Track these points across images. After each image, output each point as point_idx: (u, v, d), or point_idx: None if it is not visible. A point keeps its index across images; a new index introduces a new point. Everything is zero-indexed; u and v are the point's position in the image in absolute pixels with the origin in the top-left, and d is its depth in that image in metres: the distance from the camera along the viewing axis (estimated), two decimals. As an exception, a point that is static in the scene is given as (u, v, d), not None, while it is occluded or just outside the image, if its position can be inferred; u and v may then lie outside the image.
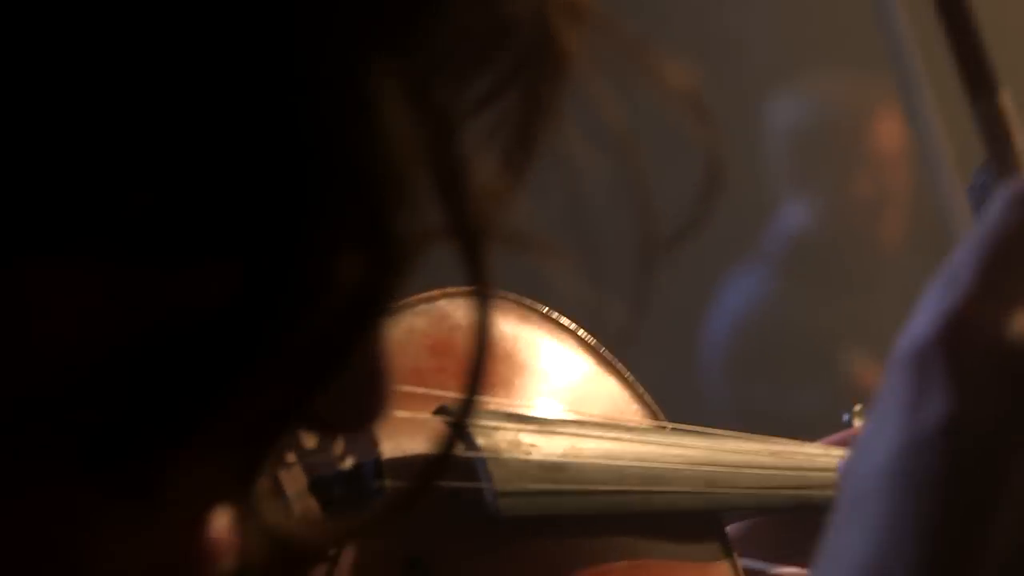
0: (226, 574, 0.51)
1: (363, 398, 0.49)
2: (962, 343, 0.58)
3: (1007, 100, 0.70)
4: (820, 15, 2.69)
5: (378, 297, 0.46)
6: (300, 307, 0.45)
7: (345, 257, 0.45)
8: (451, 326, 1.03)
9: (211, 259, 0.44)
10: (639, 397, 1.14)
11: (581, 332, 1.15)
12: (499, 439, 0.95)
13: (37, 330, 0.44)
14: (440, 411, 0.92)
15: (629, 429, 1.10)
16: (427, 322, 1.00)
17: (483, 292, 0.50)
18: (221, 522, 0.50)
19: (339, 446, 0.87)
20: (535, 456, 0.96)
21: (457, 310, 1.04)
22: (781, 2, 2.82)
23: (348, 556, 0.86)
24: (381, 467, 0.87)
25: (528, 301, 1.12)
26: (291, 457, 0.87)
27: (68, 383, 0.44)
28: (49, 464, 0.45)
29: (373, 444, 0.87)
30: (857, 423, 1.27)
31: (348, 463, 0.86)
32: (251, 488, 0.49)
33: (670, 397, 1.19)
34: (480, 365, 0.50)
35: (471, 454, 0.93)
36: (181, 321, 0.44)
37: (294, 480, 0.86)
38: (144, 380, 0.44)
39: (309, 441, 0.87)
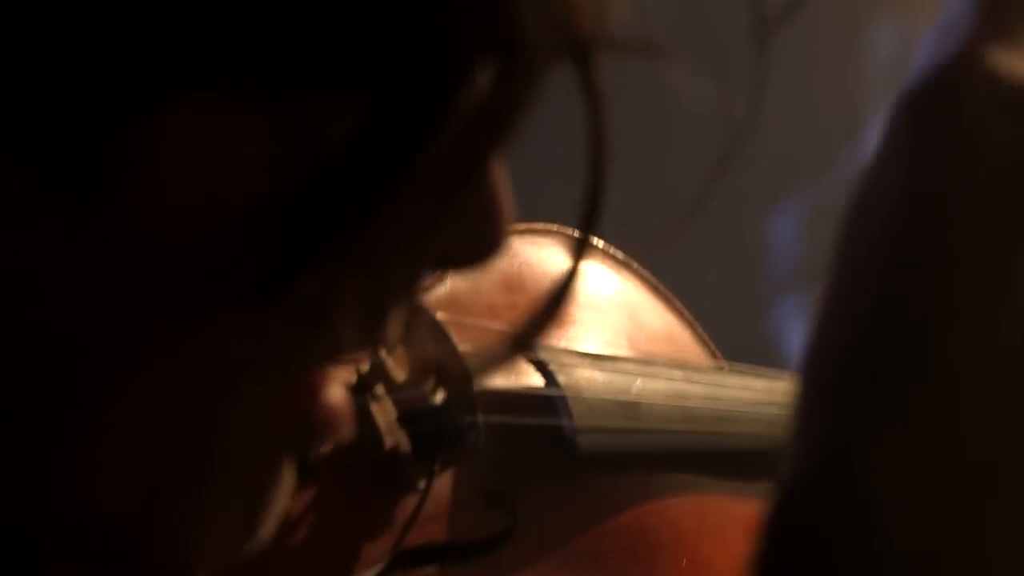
0: (341, 442, 0.55)
1: (483, 231, 0.53)
2: (970, 83, 0.53)
3: None
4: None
5: (508, 108, 0.48)
6: (436, 123, 0.48)
7: (477, 66, 0.47)
8: (521, 263, 1.05)
9: (347, 83, 0.47)
10: (699, 337, 1.16)
11: (642, 270, 1.17)
12: (578, 377, 0.97)
13: (202, 159, 0.47)
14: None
15: (695, 370, 1.12)
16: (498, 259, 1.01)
17: (596, 109, 0.52)
18: (340, 393, 0.55)
19: (430, 381, 0.88)
20: (610, 395, 0.98)
21: (526, 247, 1.06)
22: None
23: (436, 488, 0.88)
24: (474, 403, 0.89)
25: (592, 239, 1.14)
26: (381, 390, 0.89)
27: (235, 215, 0.47)
28: (227, 296, 0.49)
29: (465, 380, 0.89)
30: None
31: (439, 397, 0.88)
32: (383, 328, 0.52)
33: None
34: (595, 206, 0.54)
35: (553, 391, 0.95)
36: (327, 146, 0.47)
37: (385, 413, 0.88)
38: (300, 206, 0.47)
39: (400, 375, 0.88)
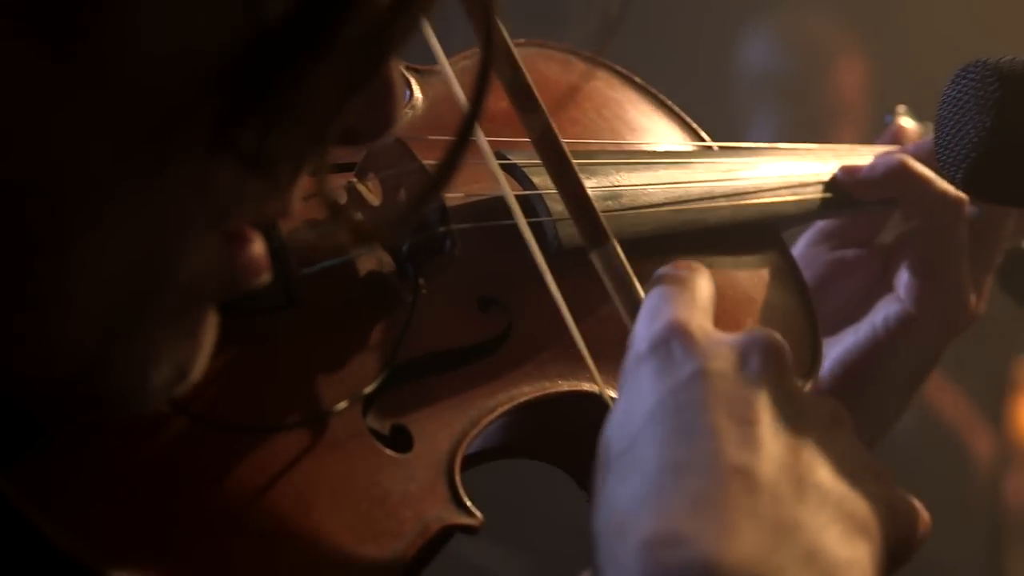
0: (259, 288, 0.68)
1: (382, 108, 0.67)
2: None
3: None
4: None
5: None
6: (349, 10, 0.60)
7: None
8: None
9: None
10: (680, 120, 1.18)
11: (616, 66, 1.19)
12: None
13: (169, 12, 0.58)
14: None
15: (675, 154, 1.14)
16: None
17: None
18: (260, 247, 0.67)
19: (401, 201, 0.91)
20: (588, 188, 1.01)
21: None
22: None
23: (427, 301, 0.91)
24: (446, 212, 0.92)
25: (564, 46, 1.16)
26: (359, 216, 0.92)
27: (194, 68, 0.59)
28: (183, 140, 0.60)
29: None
30: (900, 122, 1.31)
31: None
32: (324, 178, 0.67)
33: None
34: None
35: (528, 191, 0.98)
36: (269, 14, 0.59)
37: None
38: (246, 65, 0.59)
39: (374, 199, 0.92)
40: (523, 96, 0.90)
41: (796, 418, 0.77)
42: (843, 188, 1.19)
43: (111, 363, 0.64)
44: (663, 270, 0.87)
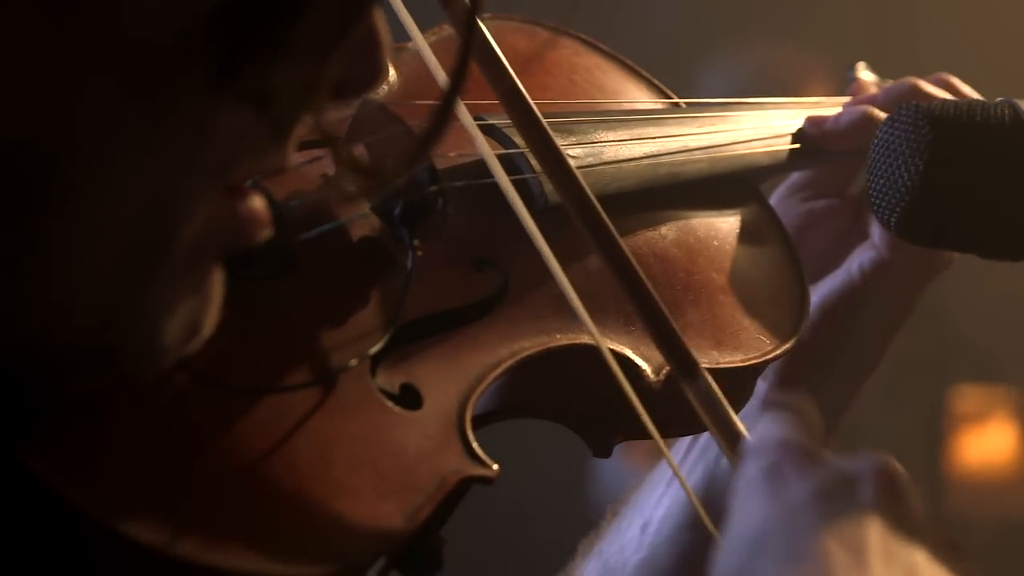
0: (261, 241, 0.71)
1: (371, 59, 0.70)
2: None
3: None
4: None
5: None
6: None
7: None
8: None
9: None
10: (648, 82, 1.20)
11: (581, 34, 1.20)
12: None
13: None
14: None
15: (648, 112, 1.16)
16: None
17: None
18: (261, 202, 0.70)
19: (389, 166, 0.92)
20: (567, 147, 1.02)
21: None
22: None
23: (423, 263, 0.92)
24: (435, 172, 0.93)
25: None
26: (354, 154, 0.93)
27: (198, 11, 0.61)
28: (188, 83, 0.62)
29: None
30: (860, 76, 1.33)
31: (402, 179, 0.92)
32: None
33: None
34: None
35: (511, 151, 0.99)
36: None
37: (356, 210, 0.92)
38: (244, 9, 0.61)
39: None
40: (491, 64, 0.92)
41: (908, 545, 0.76)
42: (811, 139, 1.21)
43: (124, 316, 0.66)
44: (774, 397, 0.88)
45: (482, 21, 1.12)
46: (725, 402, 0.89)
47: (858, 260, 1.21)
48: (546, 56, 1.16)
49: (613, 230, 0.91)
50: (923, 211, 1.08)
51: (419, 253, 0.91)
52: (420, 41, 0.95)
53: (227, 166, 0.66)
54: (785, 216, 1.24)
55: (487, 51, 0.92)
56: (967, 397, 3.25)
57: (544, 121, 0.93)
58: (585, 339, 0.95)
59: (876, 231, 1.20)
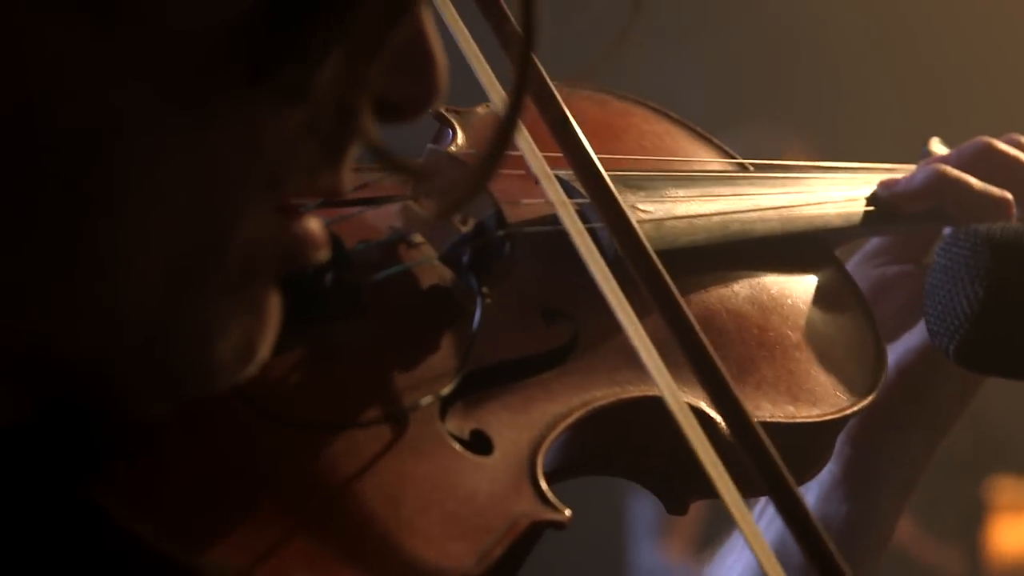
0: (318, 263, 0.70)
1: (422, 76, 0.69)
2: None
3: None
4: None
5: None
6: None
7: None
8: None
9: None
10: (716, 147, 1.20)
11: (649, 102, 1.21)
12: None
13: None
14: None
15: (718, 172, 1.16)
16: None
17: None
18: (316, 223, 0.69)
19: (459, 216, 0.92)
20: (637, 201, 1.02)
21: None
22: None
23: (491, 312, 0.91)
24: (503, 217, 0.92)
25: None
26: (418, 237, 0.93)
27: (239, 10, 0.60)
28: (230, 79, 0.61)
29: (490, 201, 0.93)
30: (934, 150, 1.32)
31: (470, 224, 0.92)
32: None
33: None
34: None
35: (580, 200, 0.98)
36: None
37: (426, 255, 0.92)
38: (284, 10, 0.60)
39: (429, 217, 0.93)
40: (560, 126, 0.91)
41: None
42: (885, 201, 1.20)
43: (174, 330, 0.65)
44: None
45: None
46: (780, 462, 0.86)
47: (916, 336, 1.20)
48: (616, 123, 1.17)
49: (667, 280, 0.89)
50: (984, 339, 1.05)
51: (488, 300, 0.90)
52: (481, 64, 0.95)
53: (277, 179, 0.65)
54: (859, 280, 1.23)
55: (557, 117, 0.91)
56: (1007, 490, 3.20)
57: (603, 171, 0.92)
58: (656, 391, 0.94)
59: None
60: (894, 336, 1.21)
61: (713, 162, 1.18)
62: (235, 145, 0.62)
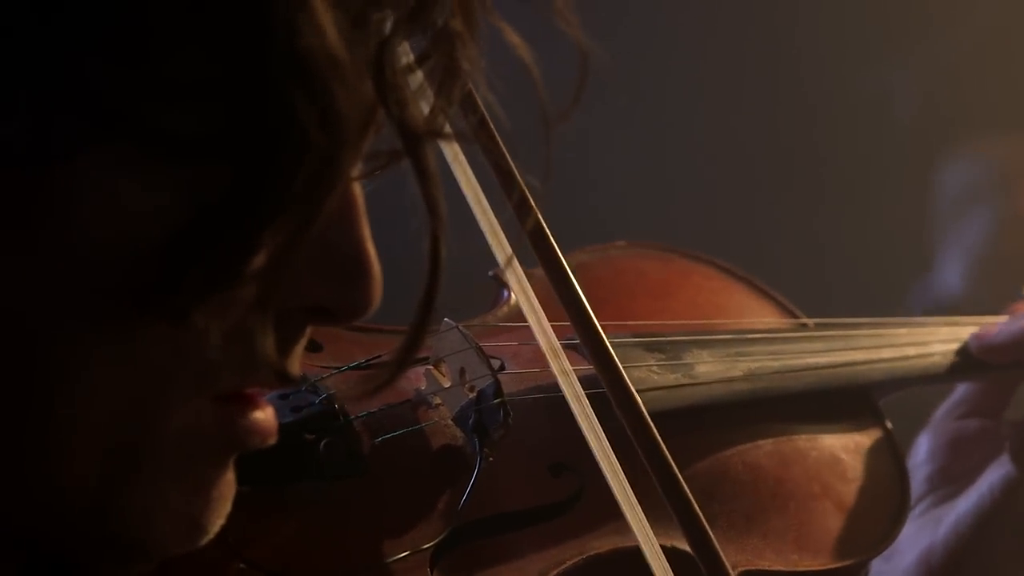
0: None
1: (353, 287, 0.72)
2: None
3: None
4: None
5: (334, 162, 0.67)
6: (278, 183, 0.66)
7: (306, 134, 0.65)
8: None
9: (211, 155, 0.66)
10: (777, 303, 1.28)
11: (717, 259, 1.30)
12: (617, 354, 1.10)
13: (100, 207, 0.66)
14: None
15: (760, 332, 1.24)
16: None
17: (428, 183, 0.70)
18: (264, 412, 0.74)
19: (467, 383, 1.04)
20: (658, 360, 1.12)
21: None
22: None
23: (497, 466, 1.02)
24: (499, 387, 1.04)
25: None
26: (437, 399, 1.05)
27: (126, 248, 0.66)
28: (114, 306, 0.66)
29: (489, 370, 1.04)
30: None
31: (473, 392, 1.03)
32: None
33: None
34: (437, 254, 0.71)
35: (590, 367, 1.09)
36: (205, 200, 0.66)
37: (441, 415, 1.04)
38: (178, 242, 0.66)
39: (445, 382, 1.05)
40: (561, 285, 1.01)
41: None
42: (971, 354, 1.27)
43: (118, 508, 0.71)
44: None
45: (620, 249, 1.25)
46: None
47: (989, 479, 1.24)
48: (673, 280, 1.26)
49: (652, 433, 0.98)
50: None
51: (490, 459, 1.01)
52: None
53: (206, 375, 0.70)
54: (938, 434, 1.29)
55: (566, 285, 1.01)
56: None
57: (607, 343, 1.01)
58: (663, 541, 1.03)
59: (1009, 448, 1.24)
60: (960, 490, 1.26)
61: (767, 321, 1.26)
62: (158, 348, 0.68)
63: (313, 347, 1.05)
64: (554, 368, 1.03)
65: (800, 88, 2.39)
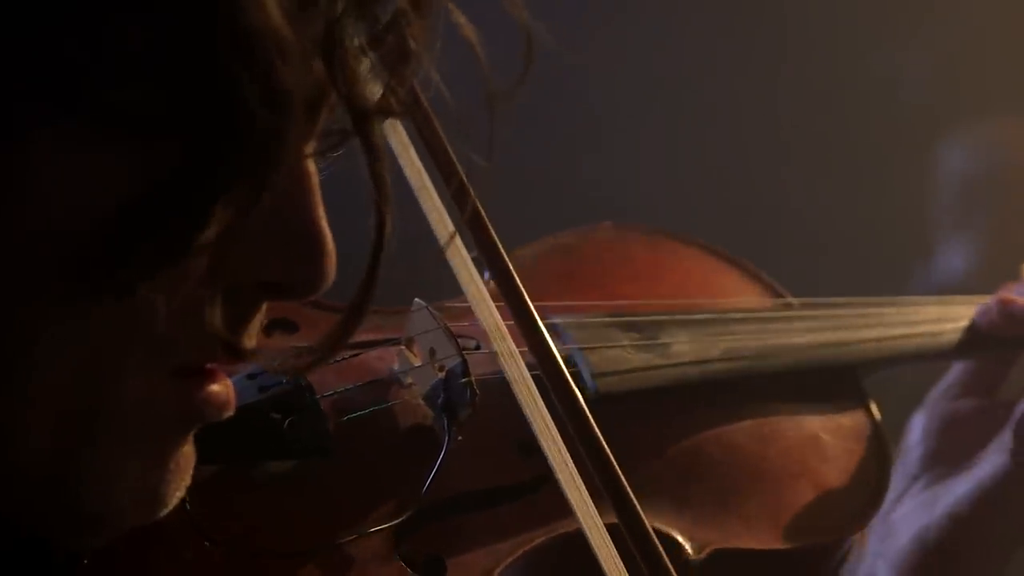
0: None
1: (308, 262, 0.72)
2: None
3: None
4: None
5: (280, 138, 0.67)
6: (225, 158, 0.67)
7: (251, 110, 0.66)
8: None
9: (161, 131, 0.67)
10: (764, 283, 1.28)
11: (701, 240, 1.30)
12: (592, 334, 1.10)
13: (53, 184, 0.66)
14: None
15: (744, 312, 1.23)
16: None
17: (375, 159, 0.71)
18: (220, 386, 0.75)
19: (437, 362, 1.04)
20: (633, 340, 1.11)
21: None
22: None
23: (464, 447, 1.02)
24: (467, 367, 1.04)
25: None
26: (408, 378, 1.05)
27: (78, 223, 0.66)
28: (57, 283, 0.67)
29: (457, 350, 1.04)
30: None
31: (442, 372, 1.03)
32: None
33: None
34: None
35: (569, 345, 1.09)
36: (155, 175, 0.67)
37: (412, 395, 1.04)
38: (128, 217, 0.66)
39: (416, 361, 1.05)
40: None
41: None
42: (975, 331, 1.27)
43: (73, 479, 0.72)
44: None
45: (605, 230, 1.24)
46: None
47: (987, 465, 1.23)
48: (662, 262, 1.26)
49: (582, 407, 0.99)
50: None
51: (459, 438, 1.02)
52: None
53: (159, 348, 0.71)
54: (932, 415, 1.28)
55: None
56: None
57: (542, 325, 1.01)
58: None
59: (1007, 437, 1.23)
60: (956, 471, 1.25)
61: (749, 300, 1.26)
62: (110, 321, 0.69)
63: (289, 327, 1.05)
64: (497, 348, 1.03)
65: (805, 71, 2.38)
